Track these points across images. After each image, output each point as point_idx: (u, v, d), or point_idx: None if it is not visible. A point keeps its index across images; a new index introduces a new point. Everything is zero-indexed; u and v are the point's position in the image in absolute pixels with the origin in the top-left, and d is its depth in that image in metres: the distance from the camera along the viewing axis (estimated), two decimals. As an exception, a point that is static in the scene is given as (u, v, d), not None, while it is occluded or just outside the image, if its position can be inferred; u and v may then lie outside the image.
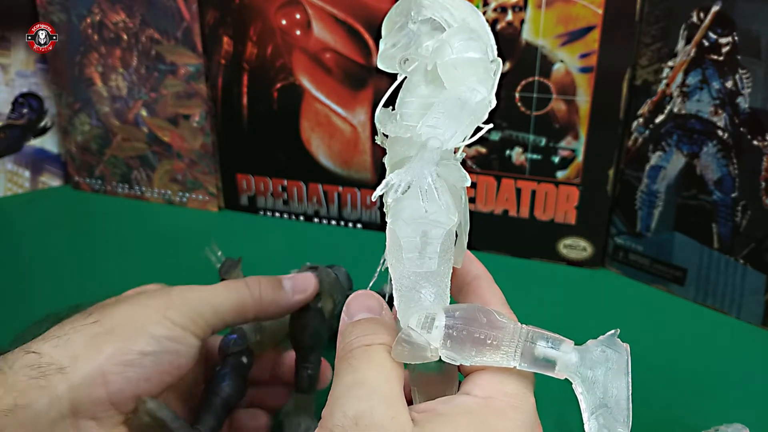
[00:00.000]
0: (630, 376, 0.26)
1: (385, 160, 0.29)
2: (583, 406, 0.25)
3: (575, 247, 0.66)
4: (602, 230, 0.65)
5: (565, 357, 0.25)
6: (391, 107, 0.28)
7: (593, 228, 0.65)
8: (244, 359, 0.40)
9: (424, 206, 0.25)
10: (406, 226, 0.26)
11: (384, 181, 0.26)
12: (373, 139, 0.53)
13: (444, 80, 0.26)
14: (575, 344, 0.26)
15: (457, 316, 0.25)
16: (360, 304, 0.29)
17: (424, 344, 0.25)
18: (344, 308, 0.29)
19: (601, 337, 0.26)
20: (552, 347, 0.25)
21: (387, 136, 0.28)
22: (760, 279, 0.55)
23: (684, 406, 0.46)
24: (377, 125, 0.28)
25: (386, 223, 0.27)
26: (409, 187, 0.25)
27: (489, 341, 0.25)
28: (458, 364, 0.26)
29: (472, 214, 0.68)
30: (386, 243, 0.27)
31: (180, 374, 0.33)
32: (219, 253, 0.51)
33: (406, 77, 0.28)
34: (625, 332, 0.61)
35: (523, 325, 0.26)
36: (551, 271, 0.66)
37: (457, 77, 0.26)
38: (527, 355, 0.25)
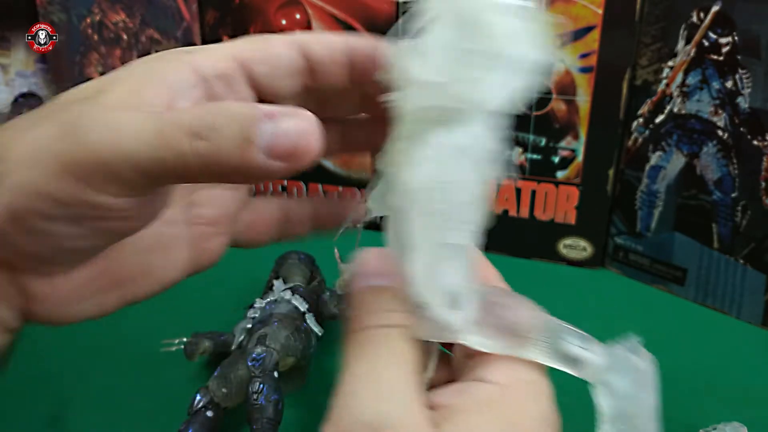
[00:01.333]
0: (657, 392, 0.25)
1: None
2: (602, 412, 0.24)
3: (575, 247, 0.66)
4: (602, 230, 0.65)
5: (595, 359, 0.24)
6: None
7: (593, 228, 0.65)
8: (210, 413, 0.41)
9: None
10: (472, 172, 0.22)
11: None
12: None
13: None
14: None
15: (487, 299, 0.24)
16: (377, 263, 0.25)
17: (447, 324, 0.23)
18: (357, 262, 0.25)
19: (624, 343, 0.25)
20: (582, 347, 0.24)
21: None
22: (760, 279, 0.55)
23: (683, 405, 0.46)
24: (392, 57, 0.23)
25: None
26: None
27: (519, 330, 0.23)
28: (478, 349, 0.24)
29: (472, 214, 0.68)
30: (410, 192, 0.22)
31: (123, 234, 0.24)
32: (177, 341, 0.49)
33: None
34: (625, 332, 0.61)
35: (552, 317, 0.24)
36: (551, 271, 0.66)
37: None
38: (555, 350, 0.24)
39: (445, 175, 0.22)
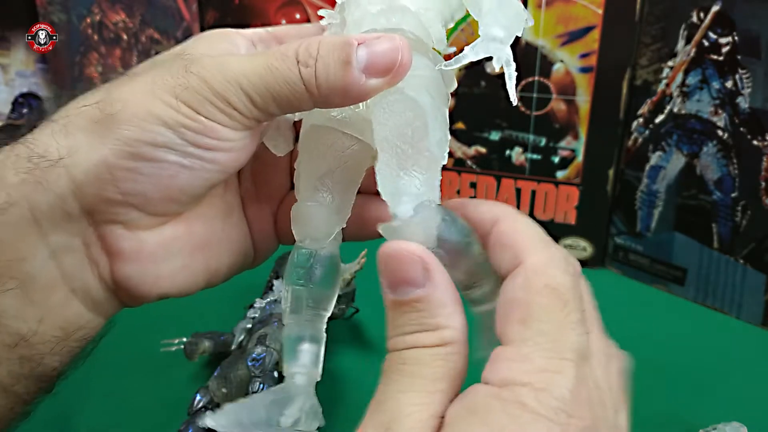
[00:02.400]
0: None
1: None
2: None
3: (575, 247, 0.66)
4: (602, 230, 0.65)
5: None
6: None
7: (593, 228, 0.65)
8: (210, 413, 0.41)
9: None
10: (430, 98, 0.24)
11: (506, 70, 0.24)
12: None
13: None
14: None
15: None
16: (402, 272, 0.22)
17: (411, 235, 0.23)
18: (379, 269, 0.23)
19: None
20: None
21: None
22: (760, 279, 0.55)
23: (683, 405, 0.46)
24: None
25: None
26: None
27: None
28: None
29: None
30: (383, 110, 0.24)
31: (225, 171, 0.26)
32: (177, 341, 0.49)
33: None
34: (626, 332, 0.61)
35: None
36: (551, 271, 0.66)
37: None
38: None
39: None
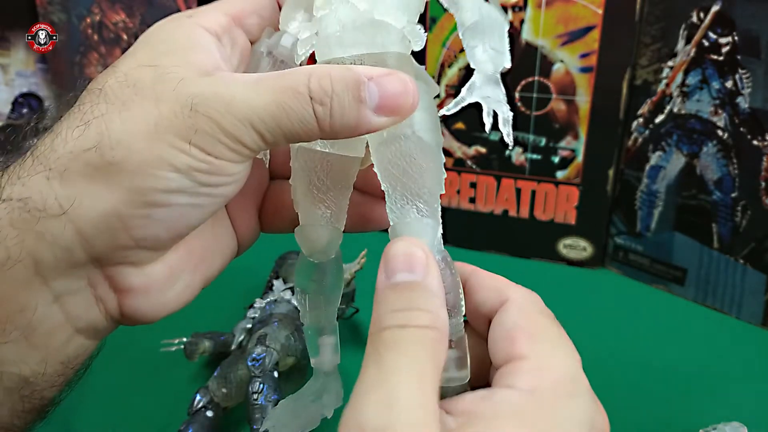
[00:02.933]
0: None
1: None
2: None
3: (575, 247, 0.66)
4: (602, 230, 0.65)
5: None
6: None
7: (593, 228, 0.65)
8: (210, 413, 0.41)
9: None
10: (431, 135, 0.26)
11: (500, 113, 0.27)
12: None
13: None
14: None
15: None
16: (402, 259, 0.23)
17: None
18: (382, 259, 0.24)
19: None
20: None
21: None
22: (760, 279, 0.55)
23: (683, 405, 0.46)
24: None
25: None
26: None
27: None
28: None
29: (473, 214, 0.68)
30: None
31: (228, 200, 0.27)
32: (177, 341, 0.49)
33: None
34: (626, 332, 0.61)
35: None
36: (551, 271, 0.66)
37: None
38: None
39: None
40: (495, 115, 0.28)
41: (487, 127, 0.26)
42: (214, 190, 0.25)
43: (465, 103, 0.27)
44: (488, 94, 0.27)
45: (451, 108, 0.27)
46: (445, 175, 0.27)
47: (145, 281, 0.26)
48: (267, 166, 0.31)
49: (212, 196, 0.25)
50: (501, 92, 0.27)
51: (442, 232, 0.26)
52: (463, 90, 0.27)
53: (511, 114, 0.27)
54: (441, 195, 0.26)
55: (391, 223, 0.26)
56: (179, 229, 0.26)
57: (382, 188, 0.26)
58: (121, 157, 0.23)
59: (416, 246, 0.24)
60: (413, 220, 0.25)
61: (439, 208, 0.26)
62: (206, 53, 0.26)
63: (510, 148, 0.27)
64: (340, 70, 0.24)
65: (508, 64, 0.27)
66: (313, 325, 0.29)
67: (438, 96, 0.29)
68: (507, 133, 0.27)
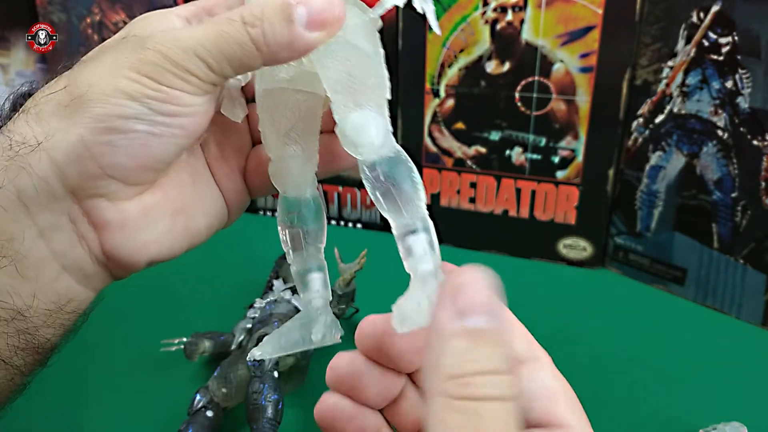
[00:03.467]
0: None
1: None
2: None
3: (575, 247, 0.66)
4: (602, 230, 0.65)
5: None
6: None
7: (593, 228, 0.65)
8: (210, 413, 0.41)
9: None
10: (366, 42, 0.27)
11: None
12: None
13: None
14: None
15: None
16: (479, 295, 0.19)
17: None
18: (448, 288, 0.20)
19: None
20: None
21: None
22: (760, 279, 0.55)
23: (683, 405, 0.46)
24: None
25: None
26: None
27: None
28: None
29: (473, 214, 0.68)
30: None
31: (191, 135, 0.29)
32: (177, 341, 0.49)
33: None
34: (626, 332, 0.61)
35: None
36: (551, 271, 0.66)
37: None
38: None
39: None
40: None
41: (435, 28, 0.28)
42: (171, 120, 0.27)
43: (390, 4, 0.28)
44: None
45: (377, 10, 0.28)
46: (389, 84, 0.27)
47: (119, 217, 0.28)
48: (241, 122, 0.32)
49: (170, 126, 0.27)
50: None
51: (392, 130, 0.27)
52: None
53: (433, 7, 0.28)
54: (388, 99, 0.27)
55: (337, 123, 0.27)
56: (143, 159, 0.27)
57: (333, 103, 0.27)
58: (84, 91, 0.26)
59: (492, 286, 0.20)
60: (356, 115, 0.26)
61: (386, 110, 0.27)
62: (171, 24, 0.30)
63: (439, 34, 0.28)
64: (271, 1, 0.27)
65: None
66: (299, 265, 0.30)
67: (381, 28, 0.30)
68: (433, 22, 0.28)
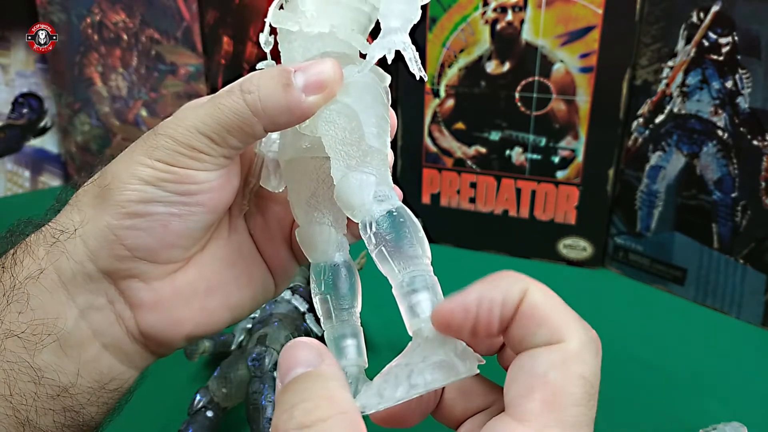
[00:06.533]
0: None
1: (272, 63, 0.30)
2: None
3: (575, 247, 0.66)
4: (602, 230, 0.65)
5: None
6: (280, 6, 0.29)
7: (593, 228, 0.65)
8: (210, 413, 0.41)
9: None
10: (357, 99, 0.27)
11: (394, 45, 0.27)
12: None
13: None
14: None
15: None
16: (291, 358, 0.23)
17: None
18: (277, 369, 0.24)
19: None
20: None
21: (275, 36, 0.30)
22: (760, 279, 0.55)
23: (683, 405, 0.46)
24: (273, 23, 0.29)
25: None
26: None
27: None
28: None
29: (473, 214, 0.68)
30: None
31: (212, 211, 0.29)
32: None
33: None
34: (626, 332, 0.61)
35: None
36: (551, 271, 0.66)
37: None
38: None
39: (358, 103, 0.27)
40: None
41: (416, 73, 0.27)
42: (189, 198, 0.28)
43: (374, 61, 0.27)
44: (389, 44, 0.27)
45: (363, 68, 0.28)
46: (390, 138, 0.28)
47: (152, 296, 0.29)
48: (280, 191, 0.32)
49: (188, 205, 0.28)
50: (404, 38, 0.27)
51: (392, 185, 0.27)
52: (369, 49, 0.27)
53: (416, 53, 0.28)
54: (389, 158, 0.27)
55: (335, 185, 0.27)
56: (167, 238, 0.28)
57: (332, 169, 0.27)
58: (109, 181, 0.28)
59: (307, 345, 0.23)
60: (348, 177, 0.26)
61: (385, 168, 0.27)
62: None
63: (423, 79, 0.28)
64: (268, 70, 0.28)
65: (415, 17, 0.28)
66: (330, 332, 0.30)
67: (390, 89, 0.30)
68: (414, 68, 0.27)
